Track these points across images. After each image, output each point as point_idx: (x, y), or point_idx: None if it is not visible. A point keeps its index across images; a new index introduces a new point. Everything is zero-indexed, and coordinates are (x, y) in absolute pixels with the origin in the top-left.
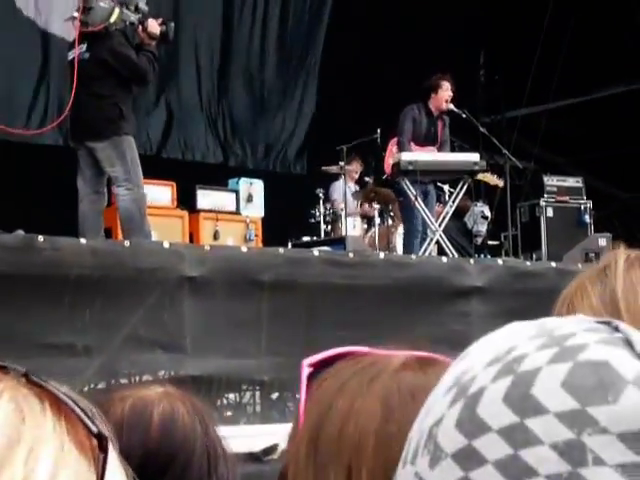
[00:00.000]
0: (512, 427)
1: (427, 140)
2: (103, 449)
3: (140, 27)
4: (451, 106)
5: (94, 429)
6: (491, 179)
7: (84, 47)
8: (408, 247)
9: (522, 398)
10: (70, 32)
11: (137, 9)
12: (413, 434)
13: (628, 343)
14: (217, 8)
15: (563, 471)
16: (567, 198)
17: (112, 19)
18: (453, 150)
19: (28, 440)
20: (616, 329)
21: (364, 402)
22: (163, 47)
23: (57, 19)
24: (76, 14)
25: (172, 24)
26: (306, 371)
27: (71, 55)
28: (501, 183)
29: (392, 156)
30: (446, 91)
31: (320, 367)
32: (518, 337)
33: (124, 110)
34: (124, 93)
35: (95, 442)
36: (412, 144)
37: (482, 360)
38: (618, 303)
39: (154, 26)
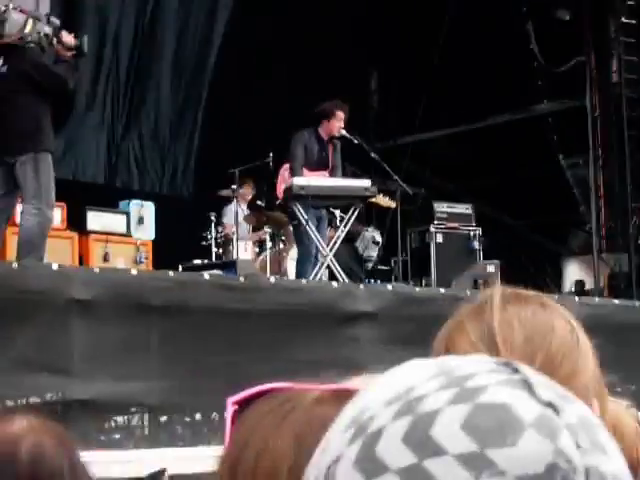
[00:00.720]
0: (410, 468)
1: (319, 165)
2: None
3: (55, 38)
4: (343, 132)
5: None
6: (383, 201)
7: (0, 62)
8: (301, 271)
9: (421, 439)
10: None
11: (49, 22)
12: (310, 472)
13: (527, 385)
14: (127, 28)
15: None
16: (457, 224)
17: (27, 29)
18: (345, 175)
19: None
20: (516, 371)
21: (277, 440)
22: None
23: None
24: None
25: (85, 37)
26: (230, 410)
27: None
28: (393, 204)
29: (284, 181)
30: (339, 121)
31: (245, 404)
32: (418, 376)
33: (44, 125)
34: (44, 107)
35: None
36: (304, 169)
37: (381, 398)
38: (495, 338)
39: (68, 37)
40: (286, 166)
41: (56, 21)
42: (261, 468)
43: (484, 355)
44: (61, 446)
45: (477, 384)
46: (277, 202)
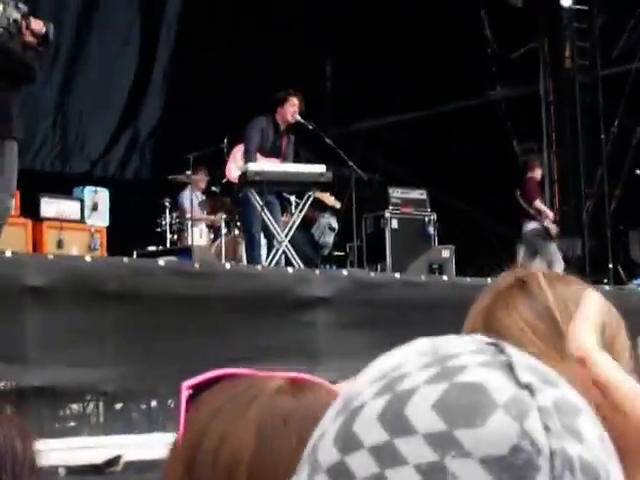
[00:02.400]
0: (382, 446)
1: (272, 152)
2: None
3: (24, 24)
4: (298, 117)
5: None
6: (328, 200)
7: None
8: (250, 258)
9: (395, 417)
10: None
11: (17, 7)
12: (306, 450)
13: (509, 367)
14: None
15: None
16: (411, 210)
17: None
18: (300, 162)
19: None
20: (502, 352)
21: (238, 427)
22: None
23: None
24: None
25: (52, 25)
26: (185, 394)
27: None
28: (337, 205)
29: (234, 162)
30: (292, 106)
31: (199, 389)
32: (409, 354)
33: (13, 112)
34: (13, 94)
35: None
36: (258, 154)
37: (370, 377)
38: (553, 314)
39: (38, 24)
40: (238, 147)
41: (24, 7)
42: (222, 456)
43: (545, 334)
44: (22, 437)
45: (458, 364)
46: (223, 180)
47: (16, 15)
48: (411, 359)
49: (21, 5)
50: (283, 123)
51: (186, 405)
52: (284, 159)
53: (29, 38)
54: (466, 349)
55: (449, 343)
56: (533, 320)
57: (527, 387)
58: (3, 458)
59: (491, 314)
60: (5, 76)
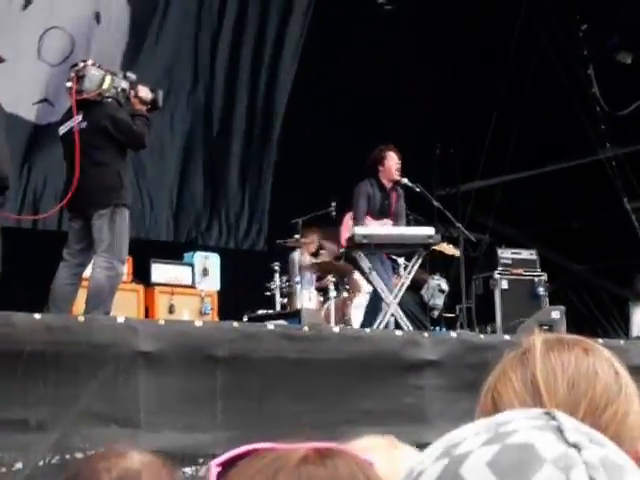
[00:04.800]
0: None
1: (382, 214)
2: None
3: (132, 92)
4: (405, 180)
5: None
6: (447, 249)
7: (79, 117)
8: (370, 319)
9: (451, 477)
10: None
11: (126, 77)
12: None
13: (558, 430)
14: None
15: None
16: (521, 270)
17: (105, 86)
18: (409, 223)
19: None
20: (553, 418)
21: None
22: None
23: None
24: (70, 84)
25: (161, 92)
26: (214, 471)
27: (66, 127)
28: (457, 253)
29: (348, 230)
30: (392, 160)
31: (228, 466)
32: (470, 426)
33: (124, 179)
34: (123, 161)
35: None
36: (368, 217)
37: (434, 446)
38: (538, 385)
39: (145, 91)
40: (350, 214)
41: (132, 76)
42: None
43: (530, 406)
44: None
45: (510, 429)
46: (340, 250)
47: (124, 85)
48: (470, 429)
49: (129, 74)
50: (388, 182)
51: None
52: (396, 218)
53: (138, 106)
54: (520, 417)
55: (508, 414)
56: (522, 393)
57: (575, 445)
58: None
59: (495, 388)
60: (114, 145)
